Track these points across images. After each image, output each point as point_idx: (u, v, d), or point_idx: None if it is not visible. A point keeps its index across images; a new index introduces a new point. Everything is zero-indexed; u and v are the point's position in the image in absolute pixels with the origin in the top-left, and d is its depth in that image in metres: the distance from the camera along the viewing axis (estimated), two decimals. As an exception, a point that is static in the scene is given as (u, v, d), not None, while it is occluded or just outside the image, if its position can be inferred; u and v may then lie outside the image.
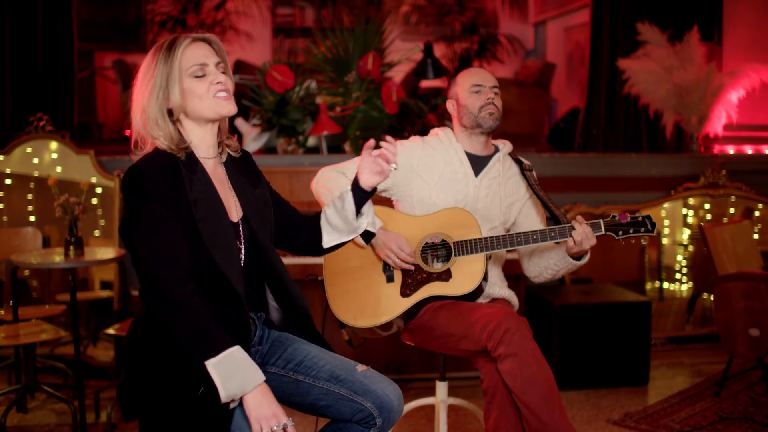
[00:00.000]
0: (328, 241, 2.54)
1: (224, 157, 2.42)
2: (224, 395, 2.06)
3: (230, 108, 2.30)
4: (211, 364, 2.05)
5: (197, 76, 2.26)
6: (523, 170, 3.23)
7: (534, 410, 2.75)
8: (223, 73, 2.31)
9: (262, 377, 2.12)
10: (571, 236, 2.91)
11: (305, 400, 2.36)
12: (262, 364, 2.40)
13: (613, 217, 2.96)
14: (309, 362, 2.38)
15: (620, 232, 2.94)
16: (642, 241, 2.98)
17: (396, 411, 2.34)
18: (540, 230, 2.96)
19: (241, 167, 2.46)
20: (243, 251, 2.34)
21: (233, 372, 2.07)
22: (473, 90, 3.17)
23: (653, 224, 2.95)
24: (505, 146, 3.30)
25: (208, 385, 2.07)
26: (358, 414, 2.30)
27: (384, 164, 2.44)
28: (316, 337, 2.50)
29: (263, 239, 2.39)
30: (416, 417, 4.05)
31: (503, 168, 3.24)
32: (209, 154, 2.35)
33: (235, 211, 2.36)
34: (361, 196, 2.47)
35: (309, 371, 2.36)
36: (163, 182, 2.17)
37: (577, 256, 3.03)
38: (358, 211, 2.49)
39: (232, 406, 2.11)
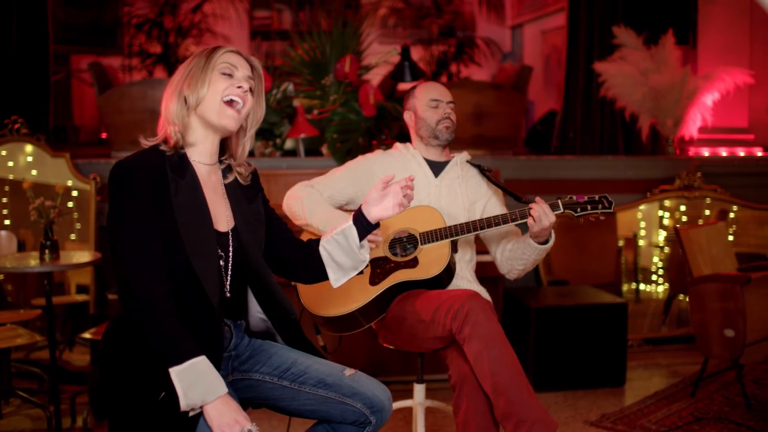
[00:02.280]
0: (336, 280, 2.51)
1: (230, 178, 2.42)
2: (184, 404, 2.07)
3: (231, 122, 2.30)
4: (175, 372, 2.07)
5: (224, 73, 2.28)
6: (483, 171, 3.36)
7: (502, 391, 2.75)
8: (249, 90, 2.33)
9: (225, 389, 2.12)
10: (530, 215, 2.97)
11: (291, 405, 2.37)
12: (243, 371, 2.40)
13: (570, 197, 3.03)
14: (296, 369, 2.38)
15: (578, 209, 3.01)
16: (600, 217, 3.04)
17: (387, 410, 2.36)
18: (501, 214, 3.04)
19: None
20: (231, 261, 2.35)
21: (196, 382, 2.07)
22: (431, 105, 3.30)
23: (610, 202, 3.02)
24: (462, 154, 3.42)
25: (170, 390, 2.08)
26: (350, 416, 2.32)
27: (403, 200, 2.44)
28: (306, 346, 2.49)
29: (252, 252, 2.39)
30: (394, 419, 4.06)
31: (462, 171, 3.36)
32: (205, 160, 2.35)
33: (225, 221, 2.36)
34: (366, 228, 2.45)
35: (296, 377, 2.36)
36: (146, 182, 2.17)
37: (542, 242, 3.07)
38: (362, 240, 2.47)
39: (191, 414, 2.11)
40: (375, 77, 6.59)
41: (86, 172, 5.04)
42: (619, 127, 6.52)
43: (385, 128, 5.30)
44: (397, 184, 2.46)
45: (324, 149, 5.35)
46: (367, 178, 3.29)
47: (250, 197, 2.47)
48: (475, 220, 3.05)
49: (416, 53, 9.51)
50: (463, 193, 3.30)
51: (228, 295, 2.34)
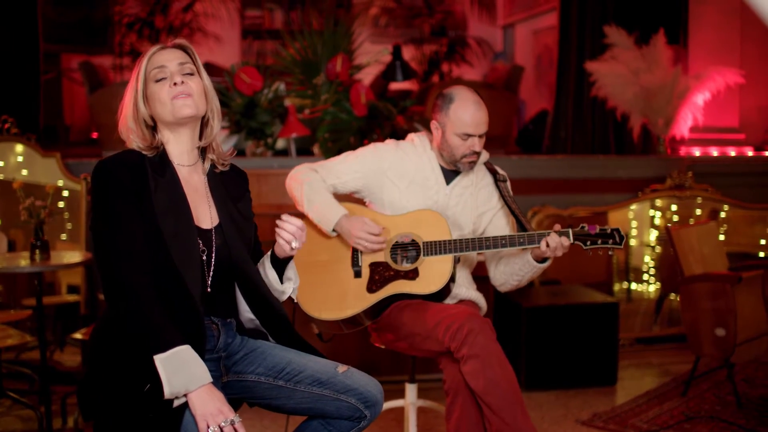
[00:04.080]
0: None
1: (207, 167, 2.43)
2: (168, 392, 2.08)
3: (187, 110, 2.31)
4: (159, 360, 2.08)
5: (158, 80, 2.31)
6: (497, 181, 3.24)
7: (496, 411, 2.77)
8: (189, 74, 2.34)
9: (209, 378, 2.14)
10: (545, 242, 2.93)
11: (287, 404, 2.38)
12: (238, 373, 2.41)
13: (582, 227, 2.98)
14: (290, 369, 2.38)
15: (588, 242, 2.97)
16: (609, 252, 3.01)
17: (379, 404, 2.40)
18: (509, 235, 2.98)
19: (226, 181, 2.48)
20: (214, 257, 2.35)
21: (180, 370, 2.09)
22: (462, 137, 3.10)
23: (621, 237, 2.97)
24: (480, 156, 3.28)
25: (155, 382, 2.09)
26: (345, 411, 2.34)
27: (281, 241, 2.37)
28: (297, 342, 2.49)
29: (237, 249, 2.40)
30: (386, 419, 4.05)
31: (476, 178, 3.25)
32: (183, 161, 2.38)
33: (209, 219, 2.37)
34: (278, 263, 2.46)
35: (291, 377, 2.37)
36: (125, 180, 2.22)
37: (540, 260, 3.05)
38: (283, 276, 2.48)
39: (176, 403, 2.12)
40: (366, 77, 6.58)
41: (77, 172, 5.02)
42: (611, 127, 6.53)
43: (376, 128, 5.29)
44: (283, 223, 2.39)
45: (315, 149, 5.34)
46: (375, 174, 3.17)
47: (237, 196, 2.48)
48: (482, 238, 2.99)
49: (408, 53, 9.51)
50: (472, 204, 3.21)
51: (209, 290, 2.35)
